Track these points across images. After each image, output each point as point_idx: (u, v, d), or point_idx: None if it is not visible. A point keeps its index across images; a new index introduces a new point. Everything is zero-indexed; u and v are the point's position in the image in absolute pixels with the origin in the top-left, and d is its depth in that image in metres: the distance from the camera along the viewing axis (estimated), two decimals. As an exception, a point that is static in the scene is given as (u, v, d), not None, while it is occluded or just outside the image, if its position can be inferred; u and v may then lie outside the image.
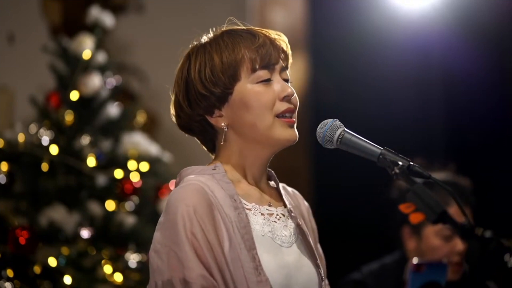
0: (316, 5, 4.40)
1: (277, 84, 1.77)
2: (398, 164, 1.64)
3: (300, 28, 4.21)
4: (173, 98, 1.84)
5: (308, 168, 4.35)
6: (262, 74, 1.76)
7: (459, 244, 2.67)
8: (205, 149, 1.87)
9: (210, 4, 4.07)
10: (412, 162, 1.64)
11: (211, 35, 1.82)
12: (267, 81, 1.76)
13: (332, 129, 1.73)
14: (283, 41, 1.80)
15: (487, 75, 4.14)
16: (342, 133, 1.73)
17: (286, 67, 1.80)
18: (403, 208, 1.58)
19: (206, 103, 1.77)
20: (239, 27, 1.82)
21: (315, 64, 4.08)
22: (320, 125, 1.76)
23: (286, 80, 1.80)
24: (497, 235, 1.53)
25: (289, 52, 1.81)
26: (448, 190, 1.62)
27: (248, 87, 1.75)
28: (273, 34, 1.80)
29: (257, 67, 1.75)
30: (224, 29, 1.83)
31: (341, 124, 1.74)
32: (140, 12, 4.20)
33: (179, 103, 1.81)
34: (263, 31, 1.79)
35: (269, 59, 1.76)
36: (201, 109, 1.78)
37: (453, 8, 4.19)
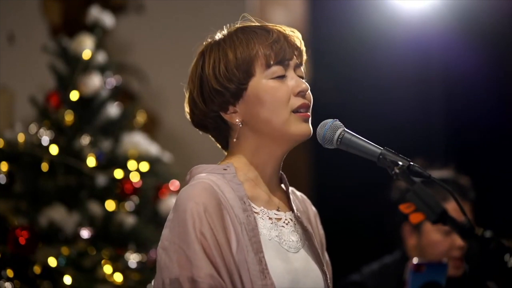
0: (316, 5, 4.40)
1: (292, 79, 1.75)
2: (398, 164, 1.64)
3: (300, 28, 4.19)
4: (187, 95, 1.82)
5: (308, 168, 4.35)
6: (277, 69, 1.75)
7: (459, 239, 2.66)
8: (219, 145, 1.86)
9: (210, 4, 4.07)
10: (412, 162, 1.64)
11: (225, 32, 1.81)
12: (282, 77, 1.75)
13: (332, 129, 1.73)
14: (297, 38, 1.79)
15: (487, 74, 4.14)
16: (342, 133, 1.72)
17: (300, 64, 1.79)
18: (403, 208, 1.58)
19: (221, 99, 1.76)
20: (253, 24, 1.81)
21: (315, 64, 4.08)
22: (320, 125, 1.75)
23: (301, 77, 1.78)
24: (497, 235, 1.53)
25: (303, 48, 1.80)
26: (448, 190, 1.62)
27: (262, 82, 1.74)
28: (287, 30, 1.79)
29: (272, 62, 1.74)
30: (238, 25, 1.82)
31: (341, 124, 1.74)
32: (140, 12, 4.20)
33: (194, 100, 1.80)
34: (277, 27, 1.79)
35: (283, 55, 1.75)
36: (216, 106, 1.77)
37: (453, 8, 4.19)
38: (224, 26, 1.83)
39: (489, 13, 4.11)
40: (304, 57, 1.81)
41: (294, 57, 1.77)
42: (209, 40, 1.82)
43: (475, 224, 1.55)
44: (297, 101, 1.75)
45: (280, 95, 1.74)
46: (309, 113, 1.77)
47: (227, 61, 1.75)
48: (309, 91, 1.77)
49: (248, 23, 1.82)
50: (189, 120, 1.84)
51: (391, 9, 4.29)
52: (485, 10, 4.11)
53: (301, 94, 1.75)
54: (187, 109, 1.83)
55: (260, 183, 1.78)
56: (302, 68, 1.80)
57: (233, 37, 1.77)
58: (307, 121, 1.76)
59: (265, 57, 1.74)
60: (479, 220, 2.72)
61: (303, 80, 1.78)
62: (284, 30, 1.79)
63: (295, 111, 1.74)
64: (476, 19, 4.12)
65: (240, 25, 1.82)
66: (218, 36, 1.81)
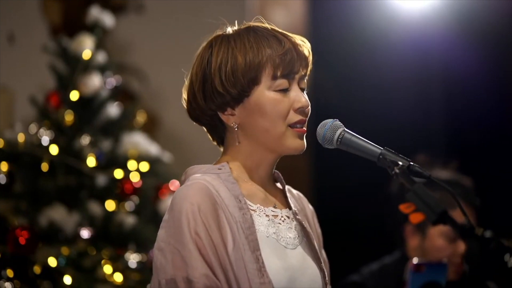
0: (316, 5, 4.40)
1: (293, 93, 1.75)
2: (398, 164, 1.64)
3: (300, 28, 4.20)
4: (187, 83, 1.81)
5: (308, 168, 4.35)
6: (282, 83, 1.75)
7: (462, 246, 2.66)
8: (211, 139, 1.86)
9: (210, 4, 4.07)
10: (412, 162, 1.64)
11: (236, 27, 1.80)
12: (285, 90, 1.75)
13: (332, 129, 1.73)
14: (307, 48, 1.79)
15: (487, 75, 4.14)
16: (342, 133, 1.73)
17: (305, 75, 1.79)
18: (403, 208, 1.58)
19: (221, 100, 1.76)
20: (265, 27, 1.79)
21: (315, 64, 4.08)
22: (320, 125, 1.75)
23: (303, 89, 1.78)
24: (497, 235, 1.53)
25: (310, 59, 1.80)
26: (448, 190, 1.62)
27: (266, 93, 1.74)
28: (297, 40, 1.78)
29: (279, 74, 1.74)
30: (250, 24, 1.80)
31: (341, 124, 1.74)
32: (140, 12, 4.20)
33: (194, 94, 1.79)
34: (288, 37, 1.77)
35: (291, 68, 1.75)
36: (214, 105, 1.77)
37: (453, 8, 4.19)
38: (236, 21, 1.82)
39: (489, 13, 4.10)
40: (310, 67, 1.81)
41: (301, 69, 1.77)
42: (220, 32, 1.80)
43: (475, 225, 1.55)
44: (294, 117, 1.75)
45: (280, 108, 1.74)
46: (305, 128, 1.77)
47: (235, 64, 1.74)
48: (309, 106, 1.77)
49: (260, 24, 1.80)
50: (185, 108, 1.83)
51: (391, 9, 4.28)
52: (485, 10, 4.11)
53: (300, 110, 1.76)
54: (184, 95, 1.82)
55: (255, 183, 1.79)
56: (306, 79, 1.80)
57: (244, 39, 1.76)
58: (302, 137, 1.77)
59: (273, 68, 1.74)
60: (479, 220, 2.72)
61: (304, 94, 1.78)
62: (295, 40, 1.77)
63: (292, 125, 1.75)
64: (476, 19, 4.11)
65: (252, 24, 1.80)
66: (229, 31, 1.80)
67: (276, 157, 1.80)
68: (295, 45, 1.76)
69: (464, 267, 2.68)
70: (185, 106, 1.83)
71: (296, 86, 1.77)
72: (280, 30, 1.79)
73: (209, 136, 1.87)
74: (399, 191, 2.78)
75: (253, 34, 1.76)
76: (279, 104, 1.74)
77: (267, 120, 1.74)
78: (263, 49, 1.74)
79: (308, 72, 1.81)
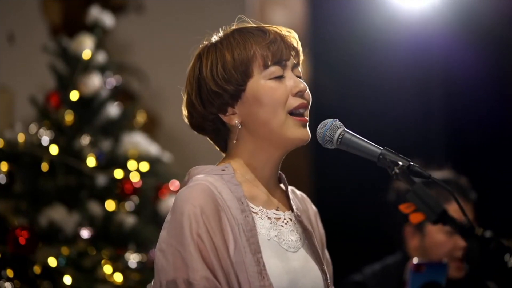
0: (316, 5, 4.40)
1: (290, 79, 1.76)
2: (398, 164, 1.64)
3: (300, 28, 4.20)
4: (185, 98, 1.82)
5: (308, 168, 4.35)
6: (275, 70, 1.75)
7: (462, 240, 2.65)
8: (217, 148, 1.86)
9: (210, 4, 4.07)
10: (412, 162, 1.64)
11: (221, 34, 1.81)
12: (280, 77, 1.75)
13: (332, 129, 1.73)
14: (294, 38, 1.80)
15: (487, 75, 4.14)
16: (342, 133, 1.73)
17: (297, 64, 1.79)
18: (403, 208, 1.58)
19: (219, 101, 1.76)
20: (249, 25, 1.81)
21: (315, 64, 4.08)
22: (320, 125, 1.75)
23: (299, 77, 1.78)
24: (497, 235, 1.53)
25: (300, 48, 1.80)
26: (449, 190, 1.62)
27: (261, 83, 1.74)
28: (283, 30, 1.79)
29: (269, 63, 1.74)
30: (234, 27, 1.82)
31: (341, 124, 1.74)
32: (140, 12, 4.20)
33: (192, 103, 1.80)
34: (273, 28, 1.79)
35: (280, 55, 1.75)
36: (214, 108, 1.77)
37: (453, 8, 4.19)
38: (220, 28, 1.84)
39: (489, 13, 4.10)
40: (301, 57, 1.81)
41: (291, 57, 1.77)
42: (206, 42, 1.82)
43: (475, 224, 1.55)
44: (294, 102, 1.75)
45: (278, 95, 1.74)
46: (307, 116, 1.77)
47: (225, 62, 1.75)
48: (307, 90, 1.77)
49: (244, 24, 1.82)
50: (187, 123, 1.84)
51: (391, 9, 4.28)
52: (485, 10, 4.11)
53: (299, 94, 1.75)
54: (185, 112, 1.83)
55: (259, 183, 1.78)
56: (300, 68, 1.80)
57: (230, 38, 1.77)
58: (304, 126, 1.76)
59: (263, 58, 1.74)
60: (479, 220, 2.72)
61: (301, 80, 1.78)
62: (281, 31, 1.79)
63: (292, 112, 1.74)
64: (476, 19, 4.11)
65: (236, 27, 1.82)
66: (214, 38, 1.81)
67: (281, 154, 1.79)
68: (281, 35, 1.77)
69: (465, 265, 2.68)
70: (186, 121, 1.84)
71: (291, 73, 1.77)
72: (264, 24, 1.81)
73: (215, 145, 1.86)
74: (396, 195, 2.79)
75: (237, 33, 1.78)
76: (276, 91, 1.74)
77: (267, 109, 1.73)
78: (249, 43, 1.75)
79: (301, 61, 1.81)
